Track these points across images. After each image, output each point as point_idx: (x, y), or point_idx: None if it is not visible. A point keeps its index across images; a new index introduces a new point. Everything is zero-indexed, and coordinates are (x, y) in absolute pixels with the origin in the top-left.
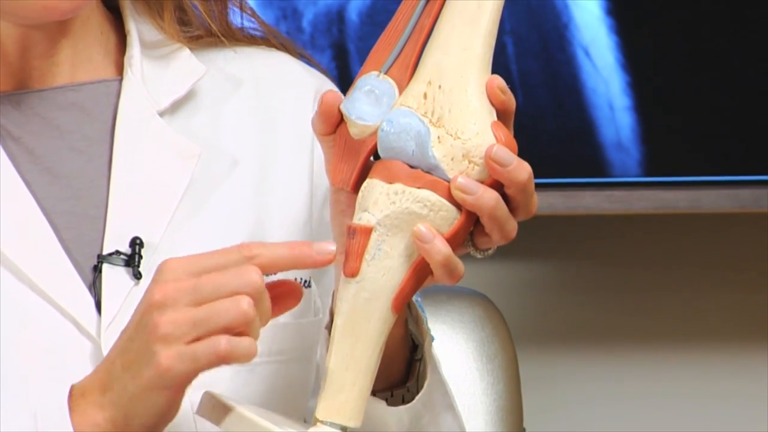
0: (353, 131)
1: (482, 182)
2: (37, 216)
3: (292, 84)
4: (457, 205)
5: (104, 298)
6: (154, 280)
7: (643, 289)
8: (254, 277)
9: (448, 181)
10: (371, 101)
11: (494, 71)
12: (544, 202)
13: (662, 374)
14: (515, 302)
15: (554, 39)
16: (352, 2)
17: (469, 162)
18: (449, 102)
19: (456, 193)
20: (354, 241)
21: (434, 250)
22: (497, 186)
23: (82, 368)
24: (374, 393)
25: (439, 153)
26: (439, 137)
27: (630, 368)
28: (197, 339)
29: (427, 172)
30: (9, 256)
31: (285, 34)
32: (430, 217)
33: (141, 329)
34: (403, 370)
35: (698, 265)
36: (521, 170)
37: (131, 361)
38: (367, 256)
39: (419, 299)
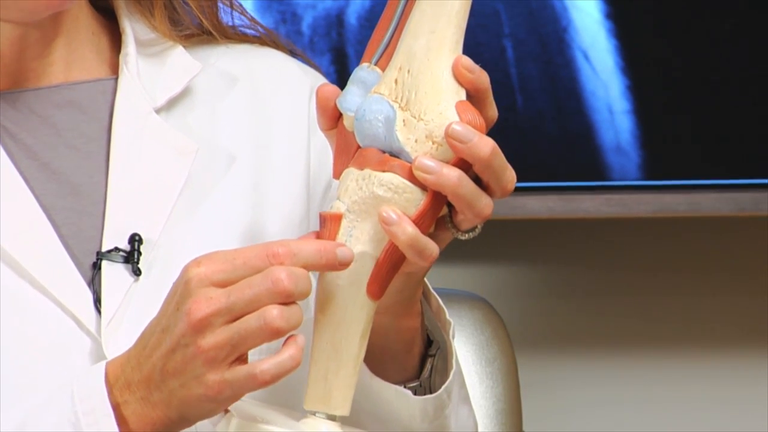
0: (346, 123)
1: (447, 162)
2: (36, 212)
3: (287, 81)
4: (423, 187)
5: (104, 295)
6: (186, 293)
7: (642, 293)
8: (281, 285)
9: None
10: (362, 92)
11: (494, 75)
12: (543, 206)
13: (661, 378)
14: (514, 305)
15: (553, 42)
16: (352, 6)
17: (433, 142)
18: (416, 85)
19: (417, 174)
20: (325, 230)
21: (399, 231)
22: (465, 165)
23: (82, 365)
24: None
25: (403, 136)
26: (404, 120)
27: (629, 371)
28: (239, 358)
29: (396, 156)
30: (9, 252)
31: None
32: (395, 199)
33: (183, 347)
34: (416, 365)
35: (697, 269)
36: (482, 146)
37: (178, 370)
38: None
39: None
